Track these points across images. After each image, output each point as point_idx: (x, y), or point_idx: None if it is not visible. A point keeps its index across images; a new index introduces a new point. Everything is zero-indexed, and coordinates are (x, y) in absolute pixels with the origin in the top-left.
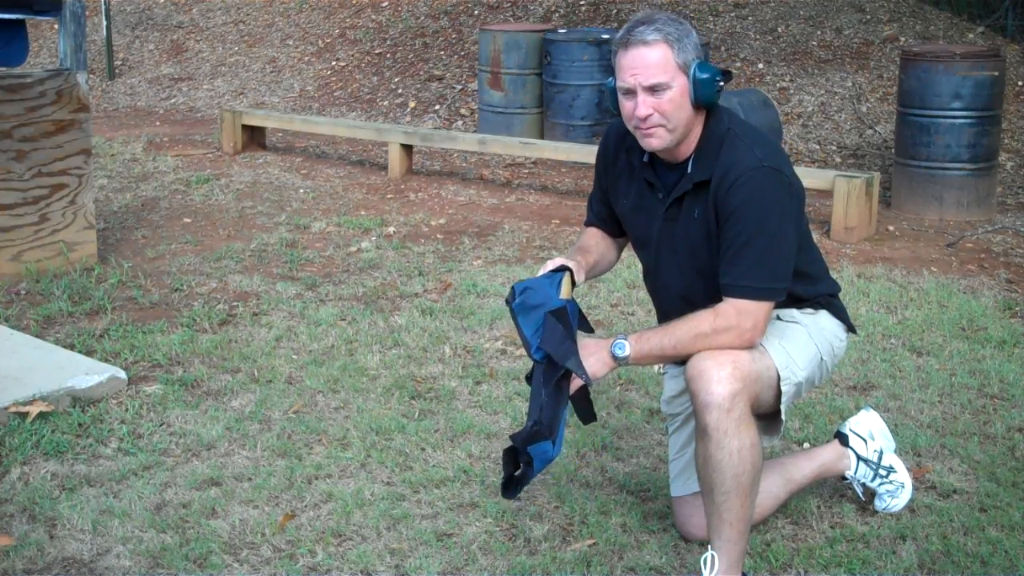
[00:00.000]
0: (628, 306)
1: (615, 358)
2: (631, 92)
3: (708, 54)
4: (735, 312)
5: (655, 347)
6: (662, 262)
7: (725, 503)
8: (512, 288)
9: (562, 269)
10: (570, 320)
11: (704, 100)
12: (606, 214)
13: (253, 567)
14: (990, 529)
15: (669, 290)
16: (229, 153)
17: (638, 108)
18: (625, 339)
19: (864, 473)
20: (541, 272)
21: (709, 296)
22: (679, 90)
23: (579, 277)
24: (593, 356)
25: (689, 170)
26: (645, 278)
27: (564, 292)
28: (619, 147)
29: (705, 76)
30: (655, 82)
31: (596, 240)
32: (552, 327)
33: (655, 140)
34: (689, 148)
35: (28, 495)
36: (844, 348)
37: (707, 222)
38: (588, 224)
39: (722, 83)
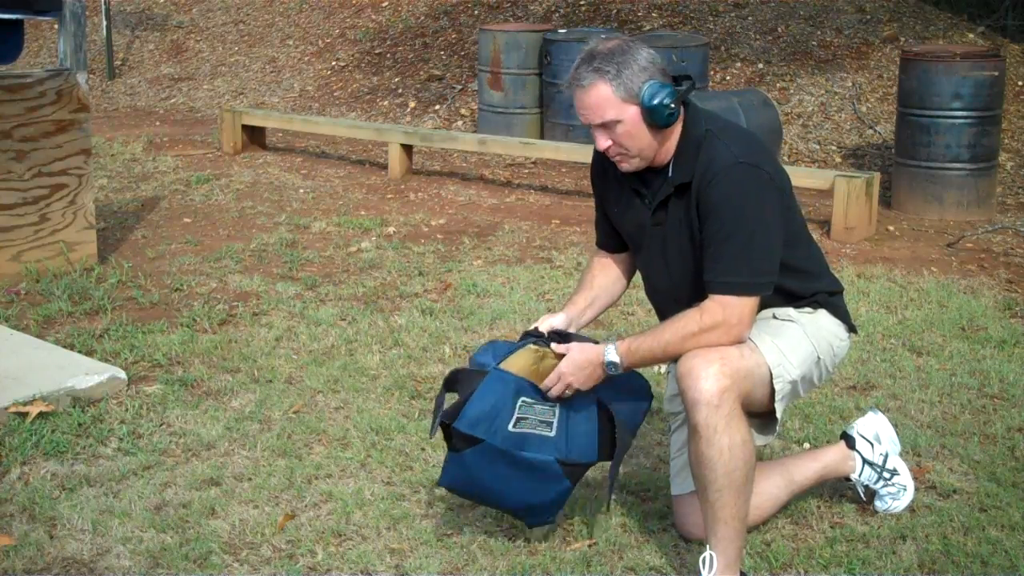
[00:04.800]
0: (628, 306)
1: (607, 369)
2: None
3: (708, 54)
4: (720, 308)
5: (646, 352)
6: (653, 266)
7: (719, 501)
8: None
9: (535, 335)
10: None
11: (661, 123)
12: (610, 229)
13: (253, 567)
14: (990, 529)
15: (662, 293)
16: (229, 153)
17: (597, 142)
18: (616, 349)
19: (868, 476)
20: (536, 323)
21: (700, 296)
22: (630, 121)
23: (569, 328)
24: (584, 372)
25: (670, 174)
26: (643, 282)
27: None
28: (607, 158)
29: (655, 103)
30: (600, 122)
31: (600, 271)
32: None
33: (625, 165)
34: (668, 154)
35: (28, 495)
36: (846, 348)
37: (691, 223)
38: (598, 245)
39: (673, 104)
